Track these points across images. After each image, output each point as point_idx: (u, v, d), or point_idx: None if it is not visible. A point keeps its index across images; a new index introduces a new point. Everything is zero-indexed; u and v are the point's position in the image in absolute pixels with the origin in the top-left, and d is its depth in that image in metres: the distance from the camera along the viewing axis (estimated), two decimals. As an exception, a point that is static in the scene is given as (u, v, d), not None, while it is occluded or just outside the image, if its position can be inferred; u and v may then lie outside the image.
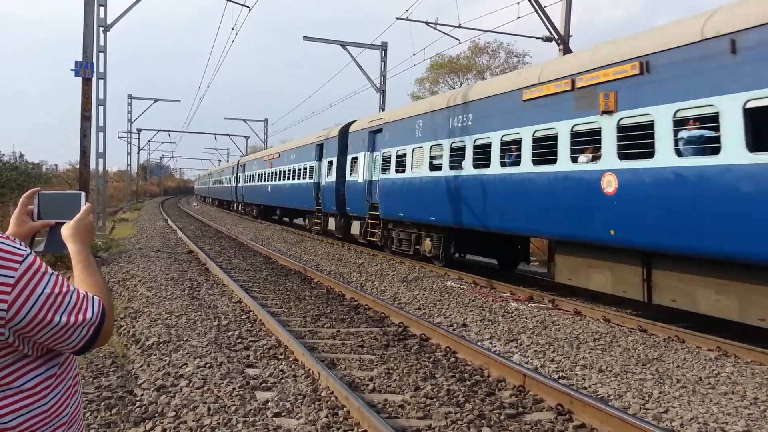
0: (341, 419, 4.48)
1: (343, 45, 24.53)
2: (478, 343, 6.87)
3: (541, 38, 17.55)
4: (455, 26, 19.73)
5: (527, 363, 6.25)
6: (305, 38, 24.41)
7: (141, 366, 5.76)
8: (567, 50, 14.99)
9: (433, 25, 19.68)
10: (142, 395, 4.92)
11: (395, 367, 5.90)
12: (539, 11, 14.91)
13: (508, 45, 41.57)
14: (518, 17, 18.07)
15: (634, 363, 6.40)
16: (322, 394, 4.99)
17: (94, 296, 1.35)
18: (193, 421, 4.38)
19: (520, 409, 4.87)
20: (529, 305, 9.61)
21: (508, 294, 10.61)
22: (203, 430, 4.25)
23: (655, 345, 7.20)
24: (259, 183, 32.31)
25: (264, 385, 5.23)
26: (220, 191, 52.66)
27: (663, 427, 4.51)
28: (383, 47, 25.21)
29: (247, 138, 61.08)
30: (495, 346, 6.94)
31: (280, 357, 6.11)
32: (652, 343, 7.27)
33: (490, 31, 19.98)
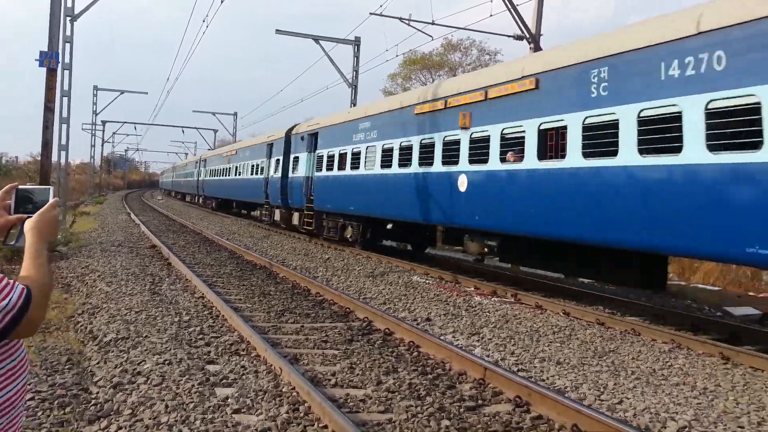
0: (302, 414, 4.47)
1: (316, 39, 24.33)
2: (441, 337, 6.94)
3: (513, 36, 17.75)
4: (428, 23, 19.79)
5: (488, 356, 6.34)
6: (278, 32, 24.12)
7: (98, 363, 5.64)
8: (537, 49, 15.16)
9: (407, 21, 19.69)
10: (97, 393, 4.82)
11: (358, 362, 5.92)
12: (511, 9, 15.06)
13: (480, 43, 41.80)
14: (491, 15, 18.24)
15: (591, 355, 6.56)
16: (284, 390, 4.97)
17: (20, 285, 1.33)
18: (150, 419, 4.31)
19: (480, 402, 4.94)
20: (492, 299, 9.74)
21: (473, 288, 10.73)
22: (160, 427, 4.19)
23: (612, 338, 7.38)
24: (384, 172, 14.05)
25: (224, 381, 5.18)
26: (228, 187, 32.19)
27: (616, 418, 4.64)
28: (356, 42, 25.08)
29: (215, 131, 60.32)
30: (457, 340, 7.02)
31: (242, 353, 6.06)
32: (609, 336, 7.45)
33: (463, 29, 20.12)
